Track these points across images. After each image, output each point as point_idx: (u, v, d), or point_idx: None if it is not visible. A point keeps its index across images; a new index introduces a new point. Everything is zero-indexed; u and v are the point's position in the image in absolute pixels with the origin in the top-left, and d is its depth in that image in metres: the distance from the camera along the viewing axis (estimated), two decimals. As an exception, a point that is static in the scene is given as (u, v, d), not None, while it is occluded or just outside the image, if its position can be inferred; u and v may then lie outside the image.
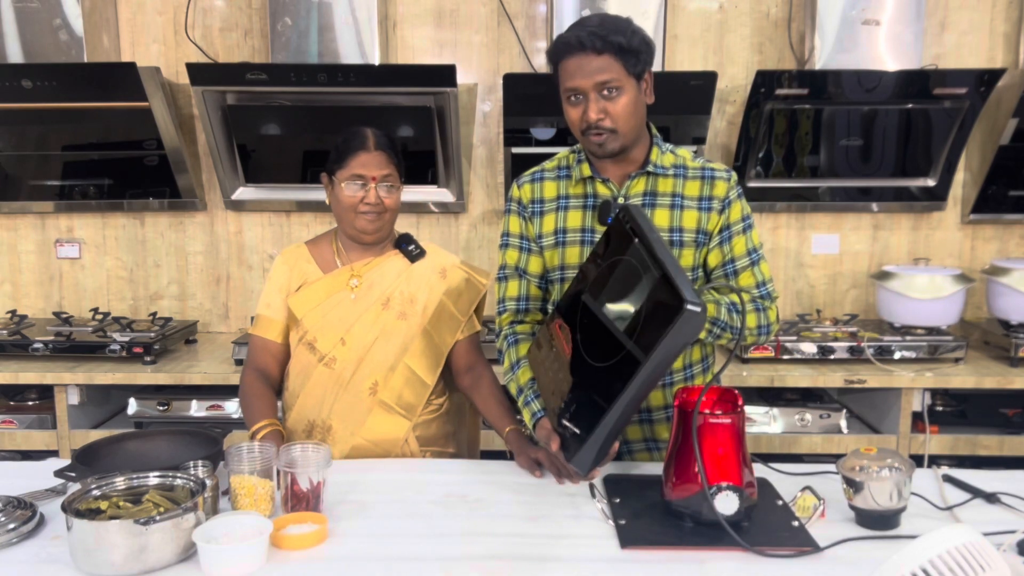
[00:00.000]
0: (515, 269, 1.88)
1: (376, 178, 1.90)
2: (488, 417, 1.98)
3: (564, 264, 1.82)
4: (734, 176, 1.80)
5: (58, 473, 1.60)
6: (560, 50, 1.66)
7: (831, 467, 1.67)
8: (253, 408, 1.91)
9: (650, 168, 1.76)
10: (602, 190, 1.79)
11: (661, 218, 1.76)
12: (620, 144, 1.70)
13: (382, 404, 1.96)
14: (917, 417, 2.81)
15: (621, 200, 1.76)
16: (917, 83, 2.92)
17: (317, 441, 1.93)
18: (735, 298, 1.74)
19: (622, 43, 1.61)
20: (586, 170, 1.79)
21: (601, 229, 1.76)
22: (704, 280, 1.82)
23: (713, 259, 1.79)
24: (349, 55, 2.98)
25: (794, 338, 2.91)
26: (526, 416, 1.78)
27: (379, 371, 1.96)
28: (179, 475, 1.52)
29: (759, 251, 1.81)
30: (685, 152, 1.82)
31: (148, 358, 2.90)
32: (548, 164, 1.87)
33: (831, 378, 2.80)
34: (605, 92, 1.64)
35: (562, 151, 1.88)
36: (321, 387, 1.96)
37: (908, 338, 2.92)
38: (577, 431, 1.48)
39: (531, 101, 2.98)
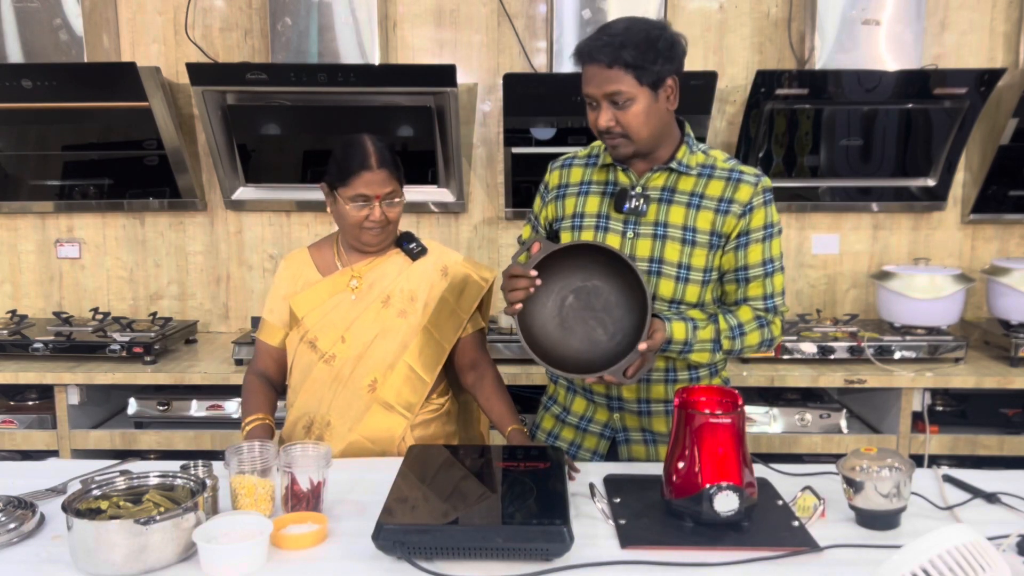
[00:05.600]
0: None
1: (380, 196, 1.89)
2: (491, 416, 1.99)
3: None
4: (764, 182, 1.78)
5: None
6: (576, 57, 1.72)
7: (831, 467, 1.67)
8: (248, 404, 1.95)
9: (673, 165, 1.79)
10: (623, 179, 1.82)
11: (676, 215, 1.78)
12: (633, 150, 1.73)
13: (381, 402, 1.95)
14: (917, 417, 2.81)
15: (639, 190, 1.79)
16: (917, 83, 2.92)
17: (316, 438, 1.94)
18: (743, 316, 1.78)
19: (629, 59, 1.64)
20: (611, 157, 1.82)
21: (616, 216, 1.80)
22: (718, 281, 1.84)
23: (727, 262, 1.80)
24: (349, 55, 2.98)
25: (794, 338, 2.90)
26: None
27: (378, 368, 1.96)
28: (179, 475, 1.52)
29: (776, 262, 1.81)
30: (719, 153, 1.84)
31: (148, 358, 2.90)
32: (581, 152, 1.92)
33: (831, 378, 2.80)
34: (615, 101, 1.68)
35: (597, 141, 1.90)
36: (320, 384, 1.96)
37: (908, 338, 2.91)
38: None
39: (531, 101, 2.98)
